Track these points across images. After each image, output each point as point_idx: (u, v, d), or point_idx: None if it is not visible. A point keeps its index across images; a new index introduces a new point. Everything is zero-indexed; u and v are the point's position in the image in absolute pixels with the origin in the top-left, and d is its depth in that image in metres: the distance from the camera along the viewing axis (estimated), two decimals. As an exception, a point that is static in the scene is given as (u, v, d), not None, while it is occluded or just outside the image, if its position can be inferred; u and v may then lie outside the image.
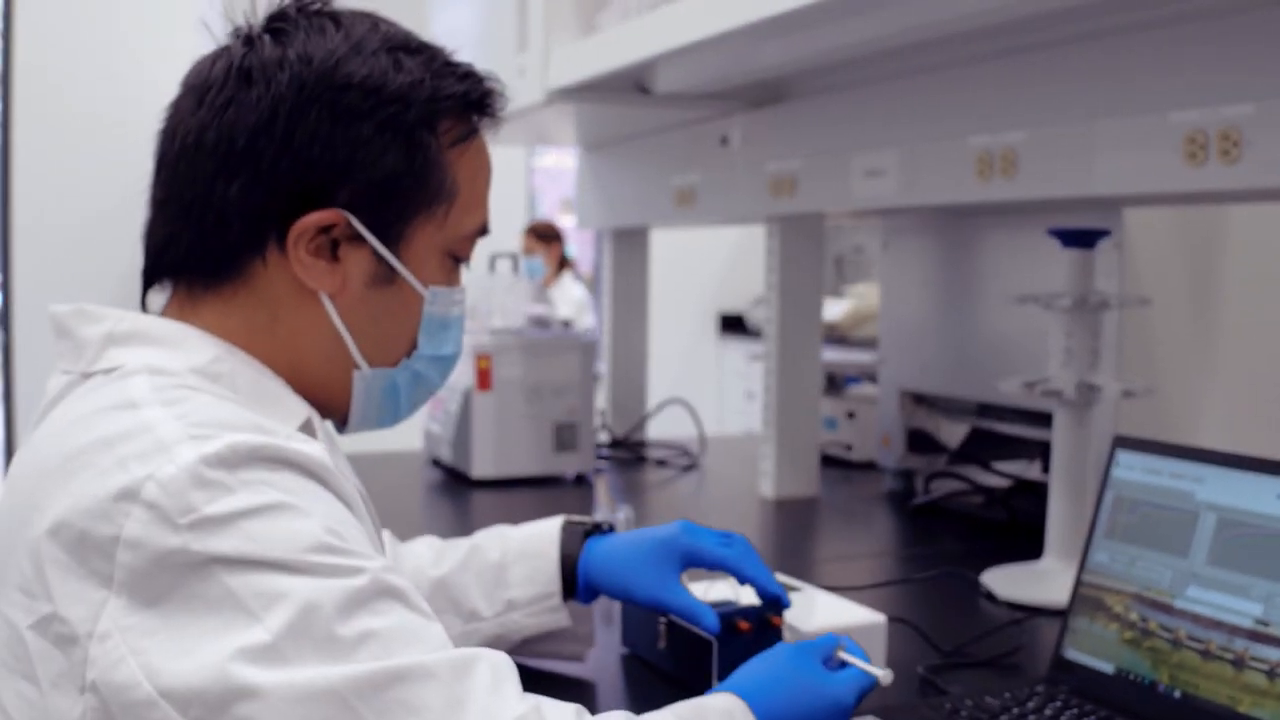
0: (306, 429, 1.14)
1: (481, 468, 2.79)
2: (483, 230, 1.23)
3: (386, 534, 1.57)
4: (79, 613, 0.89)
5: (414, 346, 1.21)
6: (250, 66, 1.09)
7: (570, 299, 7.30)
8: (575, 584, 1.50)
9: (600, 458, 3.13)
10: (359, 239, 1.13)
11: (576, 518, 1.54)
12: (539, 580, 1.49)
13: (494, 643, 1.49)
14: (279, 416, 1.09)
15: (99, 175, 6.35)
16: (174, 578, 0.88)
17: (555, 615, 1.49)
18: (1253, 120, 1.58)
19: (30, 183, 6.21)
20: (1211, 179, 1.63)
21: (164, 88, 1.17)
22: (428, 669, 0.90)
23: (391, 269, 1.15)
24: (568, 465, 2.86)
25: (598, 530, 1.53)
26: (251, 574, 0.89)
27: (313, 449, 1.00)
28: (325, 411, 1.21)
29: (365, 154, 1.10)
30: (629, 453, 3.26)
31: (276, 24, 1.13)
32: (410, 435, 3.14)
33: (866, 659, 1.29)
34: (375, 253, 1.14)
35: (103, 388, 1.03)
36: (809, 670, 1.23)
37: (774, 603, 1.45)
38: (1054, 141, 1.88)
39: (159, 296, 1.17)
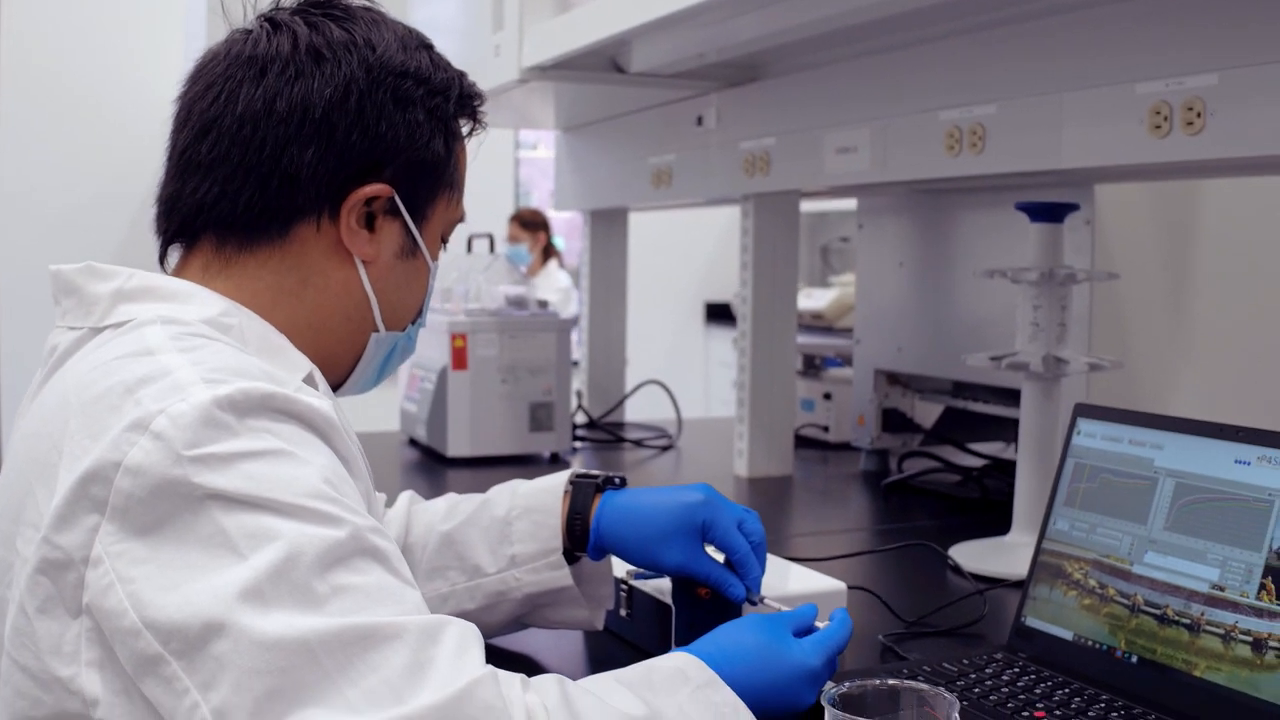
0: (309, 382, 1.17)
1: (457, 447, 2.79)
2: (462, 217, 1.35)
3: (408, 493, 1.60)
4: (73, 539, 0.93)
5: (419, 314, 1.33)
6: (319, 46, 1.19)
7: (555, 287, 7.29)
8: (586, 541, 1.47)
9: (577, 438, 3.13)
10: (393, 213, 1.24)
11: (585, 471, 1.52)
12: (541, 536, 1.47)
13: (496, 599, 1.48)
14: (285, 368, 1.14)
15: (82, 161, 6.35)
16: (169, 508, 0.92)
17: (556, 573, 1.46)
18: (1216, 91, 1.59)
19: (12, 169, 6.20)
20: (1175, 150, 1.64)
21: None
22: (396, 630, 0.92)
23: (415, 242, 1.27)
24: (543, 445, 2.86)
25: (610, 484, 1.51)
26: (244, 513, 0.92)
27: (321, 403, 1.04)
28: (326, 373, 1.26)
29: (418, 136, 1.22)
30: (606, 434, 3.26)
31: (332, 11, 1.23)
32: (389, 415, 3.14)
33: (843, 624, 1.29)
34: (405, 226, 1.25)
35: (117, 339, 1.08)
36: (773, 637, 1.23)
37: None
38: (1022, 115, 1.89)
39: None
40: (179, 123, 1.21)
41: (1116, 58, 1.74)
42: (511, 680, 0.96)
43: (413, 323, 1.32)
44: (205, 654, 0.88)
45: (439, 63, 1.27)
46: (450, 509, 1.54)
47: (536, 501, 1.49)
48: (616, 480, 1.51)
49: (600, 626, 1.53)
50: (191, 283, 1.16)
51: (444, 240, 1.34)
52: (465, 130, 1.31)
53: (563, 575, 1.47)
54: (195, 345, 1.05)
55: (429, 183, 1.26)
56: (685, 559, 1.42)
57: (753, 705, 1.13)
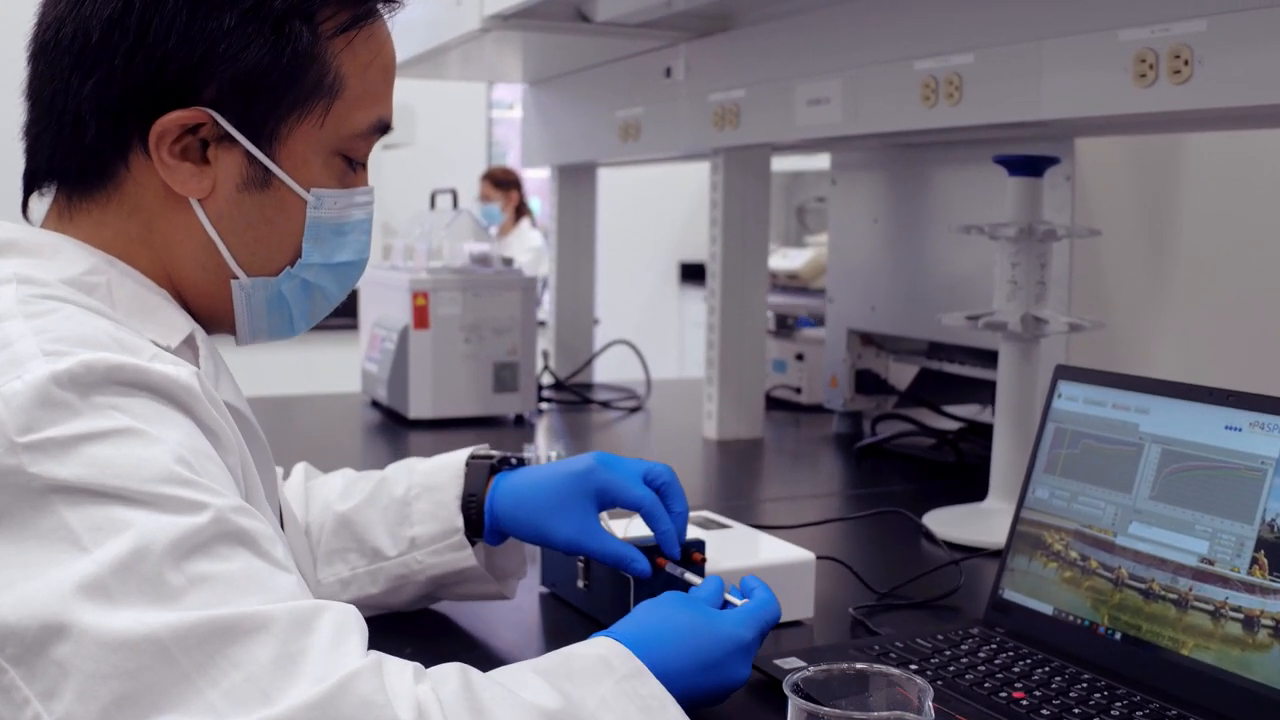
0: (190, 344, 1.08)
1: (419, 408, 2.71)
2: (381, 128, 1.15)
3: (302, 466, 1.52)
4: None
5: (299, 254, 1.14)
6: None
7: (528, 246, 7.22)
8: (483, 525, 1.41)
9: (543, 400, 3.06)
10: (230, 139, 1.06)
11: (483, 451, 1.45)
12: (441, 516, 1.40)
13: (400, 583, 1.42)
14: (159, 331, 1.04)
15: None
16: (6, 502, 0.82)
17: (458, 554, 1.40)
18: (1204, 38, 1.52)
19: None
20: (1161, 100, 1.57)
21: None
22: (261, 621, 0.82)
23: (267, 171, 1.09)
24: (508, 406, 2.79)
25: (505, 465, 1.43)
26: (89, 505, 0.82)
27: (178, 371, 0.93)
28: (214, 325, 1.15)
29: (227, 46, 1.03)
30: (573, 395, 3.19)
31: None
32: (351, 377, 3.07)
33: (767, 592, 1.24)
34: (248, 154, 1.07)
35: None
36: (697, 613, 1.16)
37: (695, 540, 1.39)
38: (1001, 64, 1.81)
39: (41, 204, 1.12)
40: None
41: (1099, 3, 1.66)
42: (402, 670, 0.86)
43: (291, 264, 1.14)
44: (45, 659, 0.78)
45: None
46: (347, 488, 1.46)
47: (435, 480, 1.42)
48: (513, 460, 1.44)
49: (512, 596, 1.48)
50: (61, 235, 1.06)
51: (351, 160, 1.14)
52: (339, 24, 1.09)
53: (465, 556, 1.40)
54: (46, 310, 0.94)
55: (266, 98, 1.06)
56: (576, 532, 1.35)
57: (687, 684, 1.08)
